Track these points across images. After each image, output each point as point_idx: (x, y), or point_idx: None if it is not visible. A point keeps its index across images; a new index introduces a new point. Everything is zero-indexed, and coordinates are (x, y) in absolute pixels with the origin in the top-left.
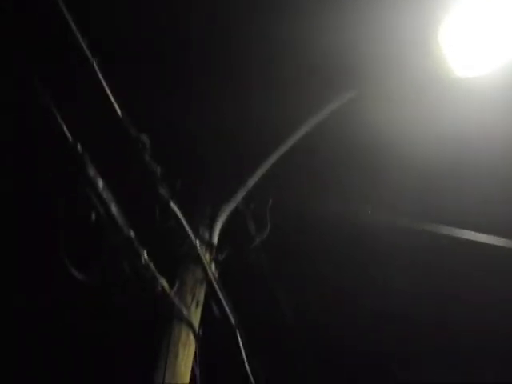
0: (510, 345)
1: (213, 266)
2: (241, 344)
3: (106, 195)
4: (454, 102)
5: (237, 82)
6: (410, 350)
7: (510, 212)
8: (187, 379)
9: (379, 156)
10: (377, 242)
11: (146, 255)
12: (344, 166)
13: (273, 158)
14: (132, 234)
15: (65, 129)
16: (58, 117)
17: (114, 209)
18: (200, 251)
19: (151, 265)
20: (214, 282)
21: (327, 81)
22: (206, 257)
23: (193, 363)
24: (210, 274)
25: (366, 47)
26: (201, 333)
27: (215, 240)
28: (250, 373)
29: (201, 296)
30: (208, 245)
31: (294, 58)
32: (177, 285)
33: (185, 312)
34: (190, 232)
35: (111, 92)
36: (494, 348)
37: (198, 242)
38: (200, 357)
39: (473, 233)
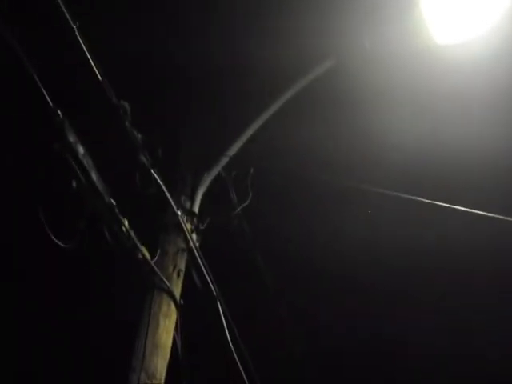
0: None
1: (194, 234)
2: (222, 314)
3: (87, 162)
4: (435, 70)
5: (219, 50)
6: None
7: (490, 183)
8: (168, 349)
9: (360, 124)
10: (360, 208)
11: (126, 223)
12: (325, 134)
13: (254, 126)
14: (113, 201)
15: (45, 94)
16: (39, 82)
17: (94, 176)
18: (181, 220)
19: (132, 233)
20: (196, 251)
21: (307, 49)
22: (187, 226)
23: (174, 333)
24: (191, 243)
25: (346, 14)
26: (182, 302)
27: (196, 209)
28: (230, 343)
29: (182, 265)
30: (189, 213)
31: (275, 28)
32: (158, 254)
33: (166, 281)
34: (171, 200)
35: (92, 57)
36: None
37: (179, 210)
38: (181, 326)
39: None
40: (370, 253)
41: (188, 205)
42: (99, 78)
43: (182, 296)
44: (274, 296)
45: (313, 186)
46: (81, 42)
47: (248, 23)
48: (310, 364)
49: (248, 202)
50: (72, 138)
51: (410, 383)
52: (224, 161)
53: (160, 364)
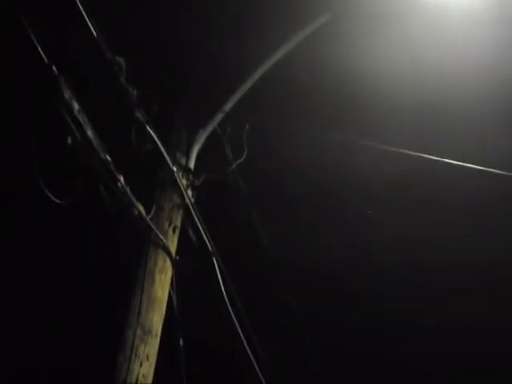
0: None
1: (189, 190)
2: (217, 270)
3: (82, 118)
4: (430, 26)
5: (213, 7)
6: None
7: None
8: (164, 305)
9: (357, 81)
10: (355, 165)
11: (122, 180)
12: (321, 91)
13: (249, 83)
14: (108, 158)
15: (40, 50)
16: (33, 38)
17: (89, 132)
18: (177, 176)
19: (128, 189)
20: (191, 208)
21: (303, 4)
22: (182, 182)
23: (169, 288)
24: (186, 199)
25: None
26: (177, 258)
27: (192, 165)
28: (226, 298)
29: (178, 221)
30: (185, 169)
31: None
32: (153, 210)
33: (161, 237)
34: (166, 157)
35: (87, 13)
36: None
37: (174, 166)
38: (177, 282)
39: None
40: (373, 193)
41: (183, 161)
42: (94, 34)
43: (177, 252)
44: (269, 252)
45: (309, 141)
46: None
47: None
48: (306, 319)
49: (243, 158)
50: (67, 94)
51: None
52: (219, 117)
53: (156, 319)
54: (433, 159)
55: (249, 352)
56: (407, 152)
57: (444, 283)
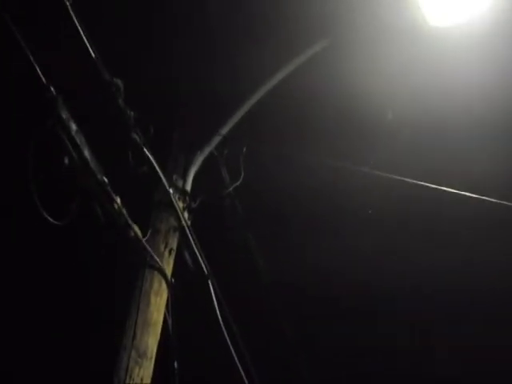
0: None
1: (186, 213)
2: (213, 293)
3: (79, 139)
4: (429, 52)
5: (212, 30)
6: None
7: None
8: (159, 327)
9: (354, 105)
10: (350, 191)
11: (119, 201)
12: (318, 116)
13: (247, 106)
14: (105, 179)
15: (38, 71)
16: (32, 59)
17: (87, 153)
18: (173, 198)
19: (124, 211)
20: (187, 230)
21: (301, 29)
22: (179, 204)
23: (165, 311)
24: (183, 221)
25: None
26: (173, 281)
27: (189, 187)
28: (221, 321)
29: (174, 244)
30: (181, 192)
31: (267, 7)
32: (150, 232)
33: (157, 260)
34: (163, 179)
35: (86, 35)
36: None
37: (171, 189)
38: (172, 305)
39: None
40: (370, 225)
41: (180, 183)
42: (93, 55)
43: (173, 274)
44: (265, 275)
45: (306, 166)
46: (74, 18)
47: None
48: (300, 344)
49: (240, 181)
50: (65, 115)
51: None
52: (216, 140)
53: (151, 342)
54: (430, 186)
55: (243, 376)
56: (403, 179)
57: (441, 307)
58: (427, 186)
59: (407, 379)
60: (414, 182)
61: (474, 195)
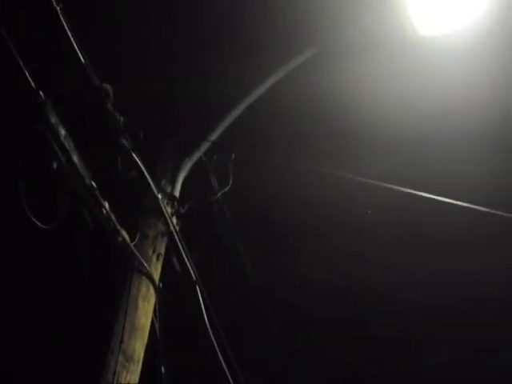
0: None
1: (174, 218)
2: (200, 298)
3: (68, 143)
4: (417, 61)
5: (202, 38)
6: None
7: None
8: (146, 332)
9: (342, 113)
10: (338, 197)
11: (107, 206)
12: (307, 122)
13: (235, 113)
14: (93, 184)
15: (27, 75)
16: (21, 64)
17: (75, 158)
18: (162, 204)
19: (112, 216)
20: (176, 235)
21: (291, 37)
22: (167, 209)
23: (152, 316)
24: (171, 226)
25: (327, 3)
26: (161, 286)
27: (177, 193)
28: (209, 327)
29: (162, 249)
30: (170, 197)
31: (257, 15)
32: (138, 237)
33: (145, 264)
34: (152, 184)
35: (76, 39)
36: None
37: (159, 194)
38: (160, 310)
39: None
40: (361, 227)
41: (169, 189)
42: (82, 60)
43: (161, 279)
44: (253, 280)
45: (295, 171)
46: (64, 22)
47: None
48: (289, 348)
49: (229, 187)
50: (54, 119)
51: None
52: (205, 146)
53: (138, 346)
54: (423, 196)
55: (230, 381)
56: (392, 186)
57: (438, 320)
58: (415, 194)
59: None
60: (401, 189)
61: (467, 204)
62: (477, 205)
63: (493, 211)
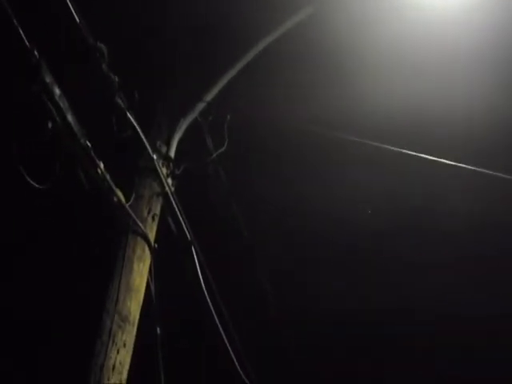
0: None
1: (170, 179)
2: (196, 258)
3: (63, 103)
4: (415, 25)
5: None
6: None
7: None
8: (142, 292)
9: (339, 75)
10: (339, 157)
11: (102, 166)
12: (303, 83)
13: (231, 73)
14: (88, 144)
15: (22, 34)
16: (15, 22)
17: (70, 117)
18: (157, 164)
19: (107, 176)
20: (171, 196)
21: None
22: (162, 170)
23: (148, 276)
24: (166, 187)
25: None
26: (156, 246)
27: (172, 153)
28: (204, 287)
29: (157, 210)
30: (165, 158)
31: None
32: (133, 197)
33: (140, 225)
34: (147, 145)
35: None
36: None
37: (155, 154)
38: (155, 270)
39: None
40: (356, 197)
41: (164, 149)
42: (77, 19)
43: (156, 240)
44: (248, 240)
45: (290, 134)
46: None
47: None
48: (282, 310)
49: (224, 148)
50: (48, 79)
51: None
52: (201, 106)
53: (133, 307)
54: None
55: (225, 340)
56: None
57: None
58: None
59: None
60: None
61: None
62: None
63: None
